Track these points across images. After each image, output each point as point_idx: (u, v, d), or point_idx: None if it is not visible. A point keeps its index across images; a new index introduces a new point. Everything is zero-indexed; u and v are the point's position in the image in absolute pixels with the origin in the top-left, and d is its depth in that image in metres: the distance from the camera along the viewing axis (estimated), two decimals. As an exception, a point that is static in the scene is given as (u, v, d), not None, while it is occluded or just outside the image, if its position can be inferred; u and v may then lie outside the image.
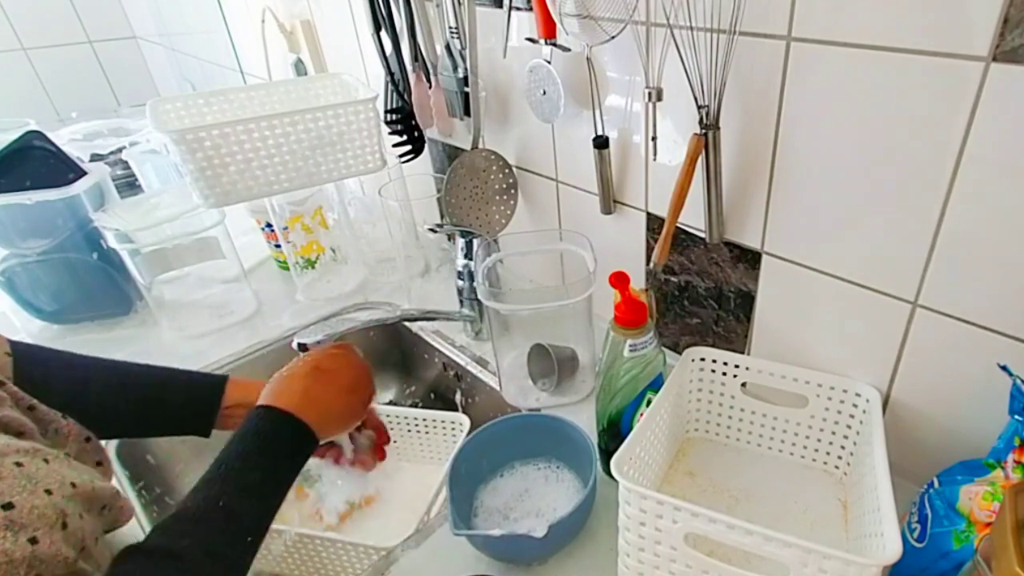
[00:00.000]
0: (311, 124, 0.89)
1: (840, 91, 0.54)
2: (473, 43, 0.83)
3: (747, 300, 0.73)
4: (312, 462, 0.59)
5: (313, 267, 1.13)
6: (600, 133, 0.76)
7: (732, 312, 0.75)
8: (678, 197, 0.66)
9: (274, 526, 0.51)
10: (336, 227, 1.13)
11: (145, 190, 1.32)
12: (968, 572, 0.46)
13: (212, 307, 1.10)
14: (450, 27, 0.84)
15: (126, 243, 0.97)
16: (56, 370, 0.61)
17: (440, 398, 1.05)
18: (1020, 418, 0.49)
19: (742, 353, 0.76)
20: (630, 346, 0.63)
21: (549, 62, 0.75)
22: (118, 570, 0.43)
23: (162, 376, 0.66)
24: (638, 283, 0.82)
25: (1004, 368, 0.51)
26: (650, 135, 0.70)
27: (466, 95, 0.90)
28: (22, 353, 0.58)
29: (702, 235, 0.71)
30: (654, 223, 0.79)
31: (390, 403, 1.11)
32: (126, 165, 1.35)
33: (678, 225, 0.70)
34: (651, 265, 0.70)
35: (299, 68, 1.34)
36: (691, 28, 0.58)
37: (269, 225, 1.14)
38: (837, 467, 0.69)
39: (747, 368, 0.70)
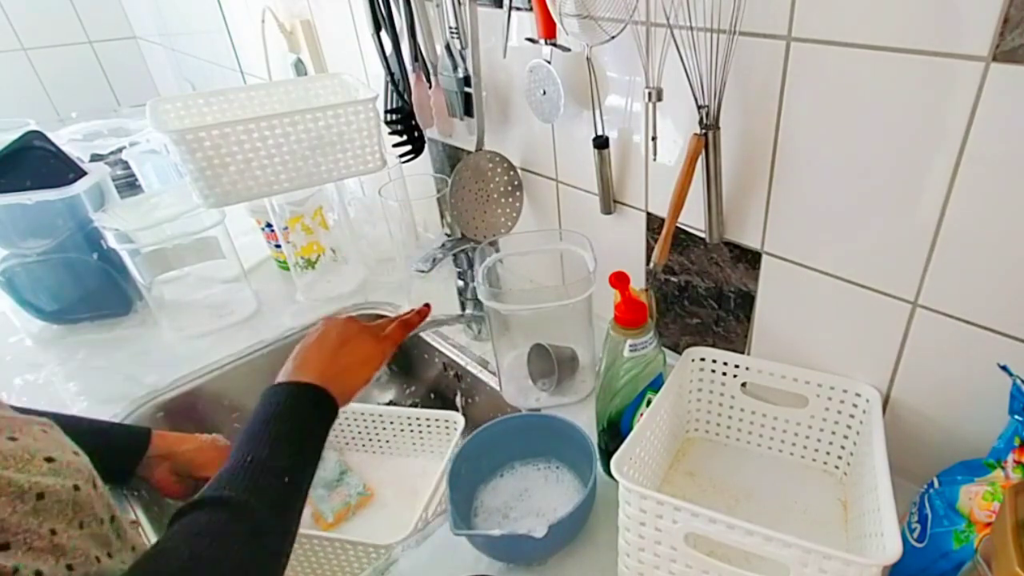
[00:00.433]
0: (311, 124, 0.89)
1: (840, 91, 0.54)
2: (475, 43, 0.83)
3: (747, 300, 0.73)
4: None
5: (313, 267, 1.13)
6: (600, 133, 0.76)
7: (732, 312, 0.75)
8: (678, 197, 0.66)
9: None
10: (336, 227, 1.13)
11: (145, 190, 1.32)
12: (968, 572, 0.46)
13: (212, 307, 1.10)
14: (450, 27, 0.84)
15: (126, 243, 0.97)
16: None
17: (440, 398, 1.05)
18: (1020, 418, 0.49)
19: (742, 353, 0.76)
20: (630, 346, 0.63)
21: (549, 62, 0.75)
22: (178, 524, 0.46)
23: (84, 426, 0.68)
24: (638, 283, 0.82)
25: (1004, 368, 0.51)
26: (650, 135, 0.70)
27: (466, 95, 0.90)
28: None
29: (702, 235, 0.71)
30: (654, 223, 0.79)
31: (390, 403, 1.11)
32: (126, 165, 1.35)
33: (678, 225, 0.70)
34: (651, 265, 0.70)
35: (299, 68, 1.34)
36: (691, 28, 0.58)
37: (269, 225, 1.14)
38: (837, 467, 0.69)
39: (747, 368, 0.70)
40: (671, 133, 0.70)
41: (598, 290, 0.74)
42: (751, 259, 0.70)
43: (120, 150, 1.35)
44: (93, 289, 1.05)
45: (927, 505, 0.54)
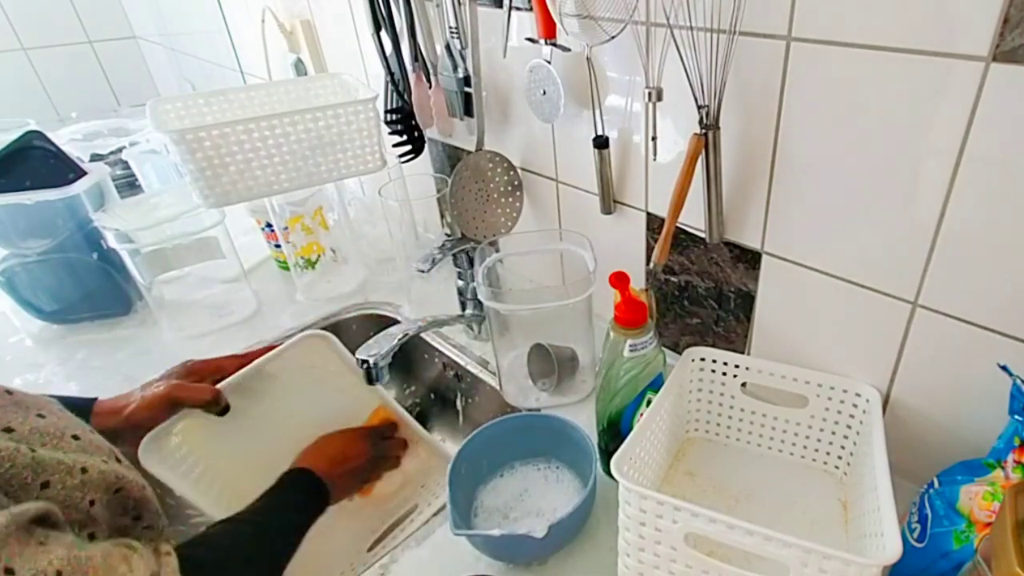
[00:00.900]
0: (311, 124, 0.89)
1: (840, 91, 0.54)
2: (475, 43, 0.83)
3: (747, 300, 0.73)
4: None
5: (313, 267, 1.13)
6: (600, 133, 0.76)
7: (732, 312, 0.75)
8: (678, 197, 0.66)
9: None
10: (336, 227, 1.13)
11: (145, 190, 1.32)
12: (968, 572, 0.46)
13: (212, 307, 1.10)
14: (450, 27, 0.84)
15: (126, 243, 0.97)
16: None
17: (440, 398, 1.05)
18: (1020, 418, 0.49)
19: (742, 353, 0.76)
20: (630, 346, 0.63)
21: (549, 62, 0.75)
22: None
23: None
24: (638, 283, 0.83)
25: (1004, 368, 0.51)
26: (650, 135, 0.70)
27: (466, 95, 0.90)
28: None
29: (702, 235, 0.71)
30: (654, 223, 0.79)
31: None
32: (126, 165, 1.35)
33: (678, 225, 0.70)
34: (651, 265, 0.70)
35: (299, 68, 1.34)
36: (691, 28, 0.58)
37: (269, 225, 1.14)
38: (837, 467, 0.69)
39: (747, 368, 0.70)
40: (671, 133, 0.70)
41: (598, 290, 0.74)
42: (751, 259, 0.70)
43: (120, 150, 1.35)
44: (93, 289, 1.06)
45: (927, 505, 0.54)
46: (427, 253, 0.85)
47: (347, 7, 1.12)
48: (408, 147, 1.03)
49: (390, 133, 1.01)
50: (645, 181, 0.77)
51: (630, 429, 0.62)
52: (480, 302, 0.89)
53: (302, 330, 0.89)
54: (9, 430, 0.45)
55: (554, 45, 0.73)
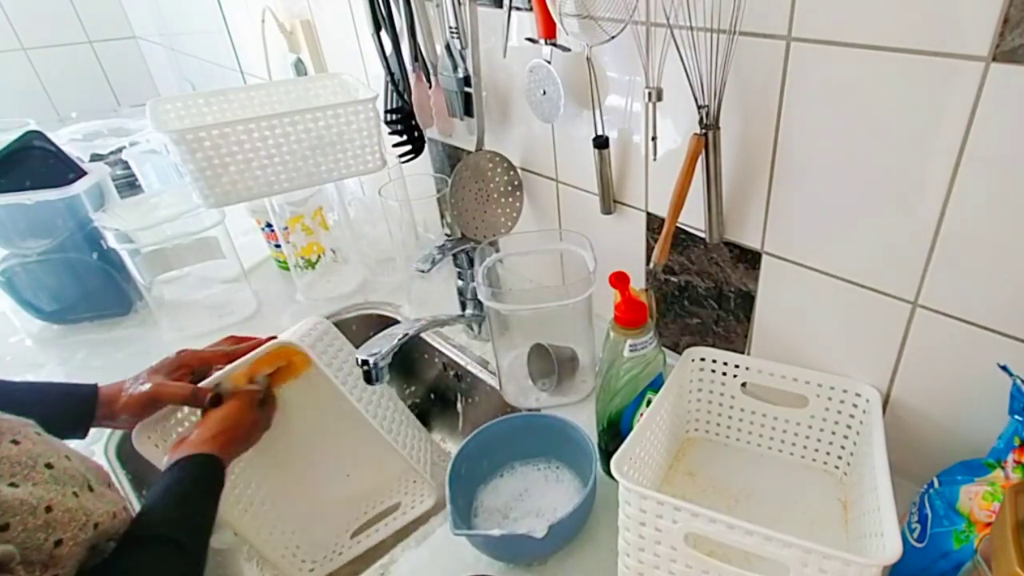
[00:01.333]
0: (311, 124, 0.89)
1: (840, 91, 0.54)
2: (475, 43, 0.83)
3: (747, 300, 0.73)
4: None
5: (313, 267, 1.13)
6: (600, 133, 0.76)
7: (732, 312, 0.75)
8: (678, 197, 0.66)
9: None
10: (336, 228, 1.13)
11: (145, 190, 1.32)
12: (968, 572, 0.46)
13: (212, 307, 1.10)
14: (450, 27, 0.84)
15: (126, 243, 0.97)
16: None
17: (440, 398, 1.05)
18: (1020, 418, 0.49)
19: (742, 353, 0.76)
20: (630, 346, 0.63)
21: (549, 62, 0.75)
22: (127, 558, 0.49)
23: (38, 388, 0.70)
24: (638, 283, 0.83)
25: (1004, 368, 0.51)
26: (650, 135, 0.70)
27: (466, 95, 0.90)
28: None
29: (702, 235, 0.71)
30: (654, 223, 0.79)
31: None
32: (126, 165, 1.35)
33: (678, 225, 0.70)
34: (651, 265, 0.70)
35: (299, 68, 1.34)
36: (691, 28, 0.58)
37: (269, 225, 1.14)
38: (837, 467, 0.69)
39: (747, 368, 0.70)
40: (671, 133, 0.70)
41: (598, 290, 0.74)
42: (751, 259, 0.70)
43: (120, 150, 1.35)
44: (93, 289, 1.06)
45: (927, 505, 0.54)
46: (427, 253, 0.85)
47: (347, 7, 1.12)
48: (408, 147, 1.03)
49: (390, 133, 1.01)
50: (645, 181, 0.77)
51: (630, 429, 0.62)
52: (480, 302, 0.89)
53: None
54: None
55: (554, 45, 0.73)
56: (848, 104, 0.54)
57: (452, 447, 1.02)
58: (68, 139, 1.36)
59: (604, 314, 0.68)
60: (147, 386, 0.68)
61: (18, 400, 0.62)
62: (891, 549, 0.45)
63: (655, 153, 0.72)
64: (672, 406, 0.68)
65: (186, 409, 0.71)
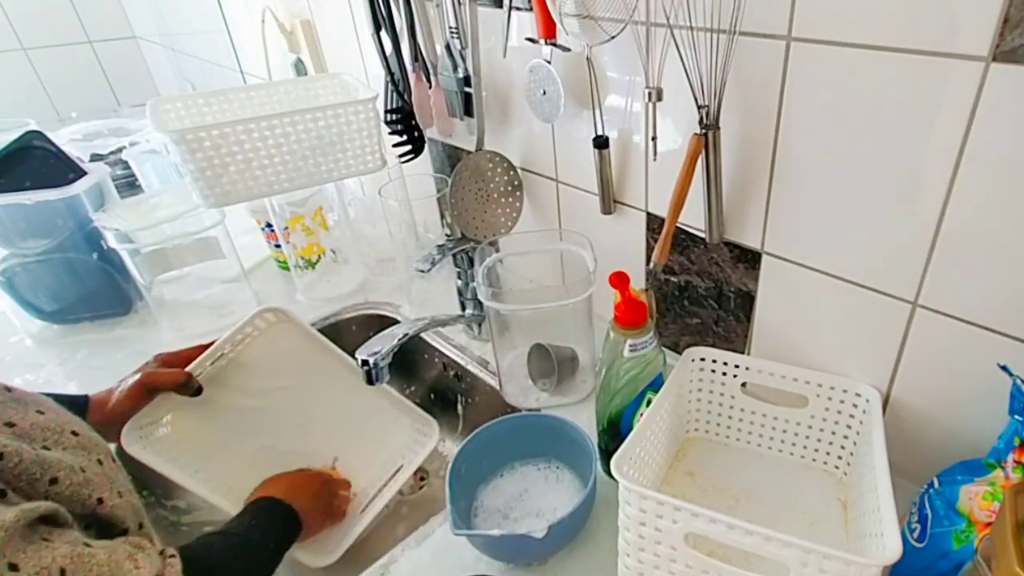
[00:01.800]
0: (311, 124, 0.89)
1: (840, 91, 0.54)
2: (475, 43, 0.83)
3: (747, 300, 0.73)
4: None
5: (313, 268, 1.13)
6: (600, 133, 0.76)
7: (732, 312, 0.75)
8: (678, 197, 0.66)
9: None
10: (336, 228, 1.13)
11: (145, 190, 1.32)
12: (968, 572, 0.46)
13: (212, 307, 1.10)
14: (450, 27, 0.84)
15: (126, 243, 0.96)
16: None
17: (440, 398, 1.05)
18: (1020, 418, 0.49)
19: (742, 353, 0.76)
20: (630, 346, 0.63)
21: (549, 62, 0.75)
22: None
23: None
24: (638, 283, 0.82)
25: (1004, 368, 0.51)
26: (650, 135, 0.70)
27: (466, 95, 0.90)
28: None
29: (702, 235, 0.71)
30: (654, 223, 0.79)
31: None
32: (126, 165, 1.35)
33: (678, 225, 0.70)
34: (651, 265, 0.70)
35: (299, 68, 1.34)
36: (691, 28, 0.58)
37: (269, 225, 1.14)
38: (837, 467, 0.69)
39: (747, 368, 0.70)
40: (671, 133, 0.70)
41: (598, 290, 0.74)
42: (751, 259, 0.70)
43: (120, 150, 1.35)
44: (93, 289, 1.06)
45: (927, 505, 0.54)
46: (427, 253, 0.85)
47: (347, 7, 1.12)
48: (408, 147, 1.03)
49: (390, 133, 1.01)
50: (645, 181, 0.77)
51: (630, 429, 0.62)
52: (480, 302, 0.89)
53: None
54: (11, 424, 0.45)
55: (554, 45, 0.73)
56: (848, 104, 0.54)
57: (452, 447, 1.02)
58: (68, 139, 1.36)
59: (604, 314, 0.68)
60: (137, 375, 0.69)
61: None
62: (891, 549, 0.45)
63: (655, 153, 0.72)
64: (672, 406, 0.68)
65: (169, 416, 0.73)
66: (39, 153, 0.98)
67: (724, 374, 0.71)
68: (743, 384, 0.71)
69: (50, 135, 1.01)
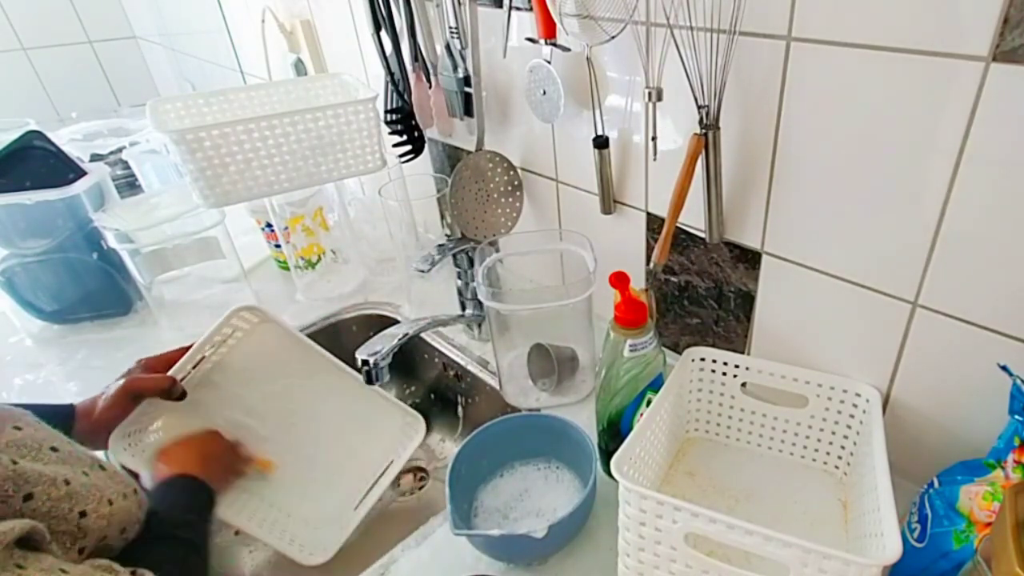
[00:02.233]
0: (311, 124, 0.89)
1: (840, 91, 0.54)
2: (475, 43, 0.83)
3: (747, 300, 0.73)
4: None
5: (313, 268, 1.13)
6: (600, 133, 0.76)
7: (732, 312, 0.75)
8: (678, 197, 0.66)
9: None
10: (336, 228, 1.13)
11: (145, 190, 1.32)
12: (968, 572, 0.46)
13: (212, 307, 1.10)
14: (450, 27, 0.84)
15: (126, 243, 0.96)
16: None
17: (440, 398, 1.05)
18: (1020, 418, 0.49)
19: (742, 353, 0.76)
20: (630, 346, 0.63)
21: (549, 62, 0.75)
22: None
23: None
24: (638, 283, 0.82)
25: (1004, 368, 0.51)
26: (650, 135, 0.70)
27: (466, 95, 0.90)
28: None
29: (702, 235, 0.71)
30: (654, 223, 0.79)
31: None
32: (126, 165, 1.35)
33: (678, 225, 0.70)
34: (651, 265, 0.70)
35: (299, 68, 1.34)
36: (691, 28, 0.58)
37: (269, 225, 1.14)
38: (837, 467, 0.69)
39: (747, 368, 0.70)
40: (671, 133, 0.70)
41: (598, 290, 0.74)
42: (751, 259, 0.70)
43: (120, 150, 1.35)
44: (93, 289, 1.05)
45: (927, 505, 0.54)
46: (427, 253, 0.85)
47: (347, 7, 1.12)
48: (408, 147, 1.03)
49: (390, 133, 1.01)
50: (645, 181, 0.77)
51: (630, 429, 0.62)
52: (480, 302, 0.89)
53: (301, 330, 0.89)
54: None
55: (554, 45, 0.73)
56: (848, 104, 0.54)
57: (452, 447, 1.02)
58: (68, 139, 1.35)
59: (604, 314, 0.68)
60: (121, 382, 0.69)
61: None
62: (891, 549, 0.45)
63: (655, 153, 0.72)
64: (672, 406, 0.68)
65: (159, 422, 0.73)
66: (39, 153, 0.98)
67: (724, 374, 0.71)
68: (743, 384, 0.71)
69: (50, 135, 1.01)
